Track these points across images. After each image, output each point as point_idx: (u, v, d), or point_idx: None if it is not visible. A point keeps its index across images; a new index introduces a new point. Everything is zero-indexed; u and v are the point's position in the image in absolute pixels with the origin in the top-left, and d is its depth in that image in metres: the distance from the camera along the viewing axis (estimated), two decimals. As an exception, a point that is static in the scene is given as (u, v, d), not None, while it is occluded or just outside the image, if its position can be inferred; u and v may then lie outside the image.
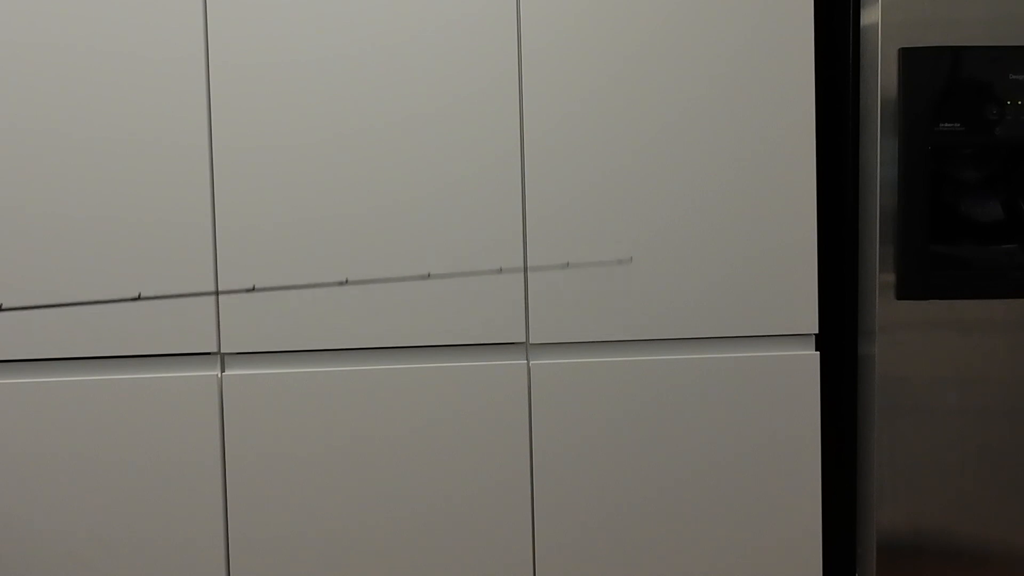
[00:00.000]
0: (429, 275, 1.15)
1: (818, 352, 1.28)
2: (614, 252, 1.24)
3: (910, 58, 1.22)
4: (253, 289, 0.85)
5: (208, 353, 1.23)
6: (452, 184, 1.23)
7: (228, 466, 1.24)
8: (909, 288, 1.26)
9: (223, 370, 1.24)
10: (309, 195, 1.22)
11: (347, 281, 1.16)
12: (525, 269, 1.24)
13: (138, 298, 0.50)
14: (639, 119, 1.24)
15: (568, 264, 1.18)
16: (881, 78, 1.23)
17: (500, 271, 1.16)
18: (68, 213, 1.20)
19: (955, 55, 1.23)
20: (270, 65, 1.21)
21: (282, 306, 1.22)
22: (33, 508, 1.22)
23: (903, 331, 1.27)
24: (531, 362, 1.26)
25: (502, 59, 1.22)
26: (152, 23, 1.19)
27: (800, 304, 1.27)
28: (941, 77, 1.23)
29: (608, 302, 1.25)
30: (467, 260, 1.23)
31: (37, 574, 1.23)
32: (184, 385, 1.22)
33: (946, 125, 1.24)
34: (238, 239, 1.21)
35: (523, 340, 1.26)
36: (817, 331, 1.28)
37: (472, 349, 1.26)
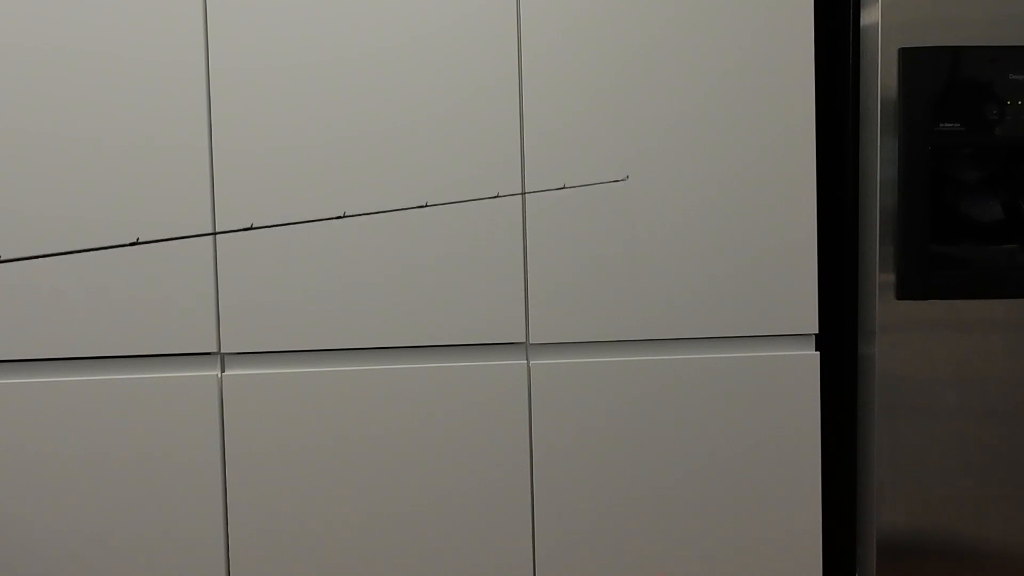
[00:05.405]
0: (427, 204, 1.15)
1: (818, 352, 1.28)
2: (615, 254, 1.25)
3: (910, 58, 1.22)
4: (251, 228, 0.85)
5: (208, 353, 1.23)
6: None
7: (228, 466, 1.24)
8: (909, 288, 1.26)
9: (223, 370, 1.24)
10: (312, 188, 1.22)
11: (344, 215, 1.16)
12: (525, 263, 1.24)
13: (136, 243, 0.51)
14: (639, 121, 1.24)
15: (564, 186, 1.18)
16: (881, 78, 1.23)
17: (496, 196, 1.16)
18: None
19: (955, 55, 1.23)
20: (269, 64, 1.21)
21: (283, 306, 1.22)
22: (33, 508, 1.22)
23: (903, 331, 1.27)
24: (531, 362, 1.26)
25: (503, 59, 1.22)
26: None
27: (800, 304, 1.27)
28: (941, 77, 1.23)
29: (608, 302, 1.25)
30: (467, 252, 1.24)
31: (37, 574, 1.23)
32: (184, 385, 1.22)
33: (946, 125, 1.24)
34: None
35: (523, 340, 1.26)
36: (817, 331, 1.28)
37: (472, 349, 1.26)
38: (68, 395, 1.21)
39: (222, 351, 1.23)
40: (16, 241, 1.19)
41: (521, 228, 1.24)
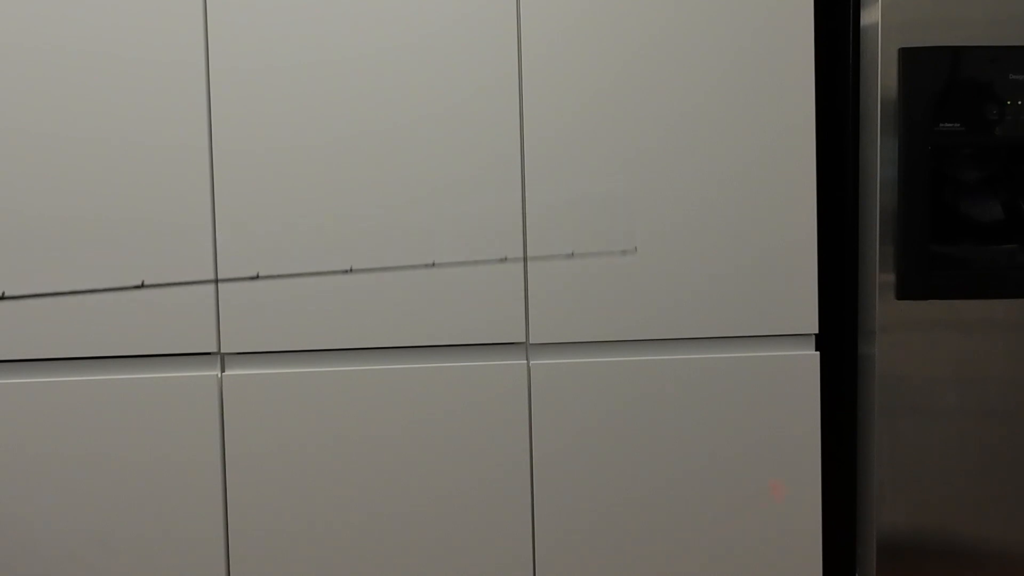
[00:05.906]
0: (434, 264, 1.15)
1: (818, 352, 1.28)
2: (615, 254, 1.25)
3: (910, 58, 1.22)
4: (257, 277, 0.85)
5: (208, 353, 1.23)
6: (454, 185, 1.23)
7: (228, 466, 1.24)
8: (909, 288, 1.26)
9: (223, 370, 1.24)
10: (312, 189, 1.22)
11: (351, 269, 1.16)
12: (525, 265, 1.24)
13: (141, 286, 0.51)
14: (639, 121, 1.24)
15: (573, 254, 1.18)
16: (881, 78, 1.23)
17: (504, 260, 1.16)
18: (70, 210, 1.20)
19: (955, 55, 1.23)
20: (269, 65, 1.21)
21: (283, 305, 1.22)
22: (33, 508, 1.22)
23: (903, 331, 1.27)
24: (531, 362, 1.26)
25: (503, 59, 1.22)
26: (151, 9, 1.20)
27: (800, 304, 1.27)
28: (941, 77, 1.23)
29: (608, 302, 1.25)
30: (470, 254, 1.23)
31: (37, 574, 1.23)
32: (184, 385, 1.22)
33: (946, 125, 1.24)
34: (240, 233, 1.21)
35: (523, 340, 1.26)
36: (817, 331, 1.28)
37: (472, 349, 1.26)
38: (68, 395, 1.21)
39: (222, 351, 1.23)
40: (14, 240, 1.19)
41: (521, 228, 1.24)
